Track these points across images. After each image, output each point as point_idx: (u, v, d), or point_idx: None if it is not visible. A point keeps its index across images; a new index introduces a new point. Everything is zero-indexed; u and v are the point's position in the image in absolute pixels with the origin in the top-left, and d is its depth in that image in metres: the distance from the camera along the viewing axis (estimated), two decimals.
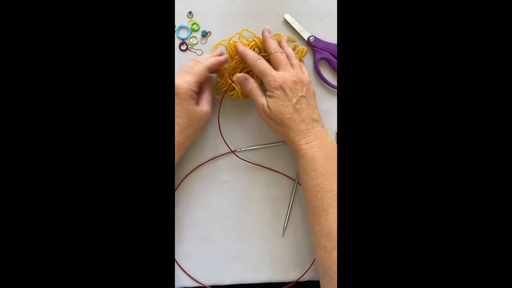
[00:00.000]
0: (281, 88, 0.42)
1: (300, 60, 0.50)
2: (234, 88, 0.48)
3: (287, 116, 0.42)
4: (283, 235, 0.50)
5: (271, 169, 0.51)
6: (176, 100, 0.43)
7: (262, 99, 0.44)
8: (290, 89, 0.42)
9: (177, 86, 0.42)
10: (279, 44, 0.47)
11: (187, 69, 0.44)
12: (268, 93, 0.43)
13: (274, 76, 0.42)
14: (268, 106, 0.43)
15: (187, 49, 0.51)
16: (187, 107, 0.43)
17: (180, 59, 0.51)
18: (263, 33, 0.47)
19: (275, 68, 0.44)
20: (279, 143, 0.51)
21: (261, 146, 0.51)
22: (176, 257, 0.50)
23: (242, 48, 0.46)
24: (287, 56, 0.45)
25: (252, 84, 0.45)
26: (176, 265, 0.49)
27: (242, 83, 0.46)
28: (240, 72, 0.47)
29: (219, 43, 0.50)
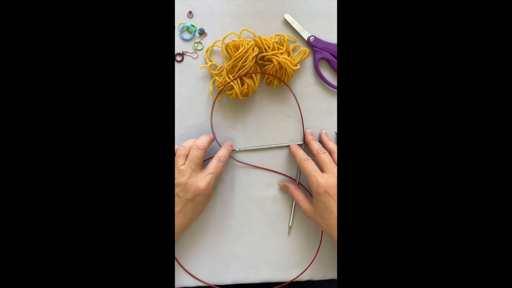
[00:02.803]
0: (326, 193, 0.43)
1: (301, 61, 0.50)
2: (232, 87, 0.48)
3: (332, 222, 0.43)
4: (288, 234, 0.50)
5: (271, 170, 0.51)
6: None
7: (304, 204, 0.46)
8: (335, 193, 0.43)
9: (202, 189, 0.43)
10: (321, 138, 0.50)
11: (212, 170, 0.45)
12: (313, 199, 0.45)
13: (318, 181, 0.43)
14: (312, 210, 0.45)
15: (182, 59, 0.51)
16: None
17: (176, 69, 0.50)
18: (306, 137, 0.50)
19: (320, 168, 0.45)
20: (278, 145, 0.51)
21: (260, 147, 0.51)
22: (177, 256, 0.50)
23: (294, 148, 0.49)
24: (330, 153, 0.47)
25: (293, 190, 0.48)
26: (177, 264, 0.49)
27: (285, 189, 0.50)
28: (237, 72, 0.47)
29: (213, 45, 0.50)
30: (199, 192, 0.43)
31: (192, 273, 0.50)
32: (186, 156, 0.45)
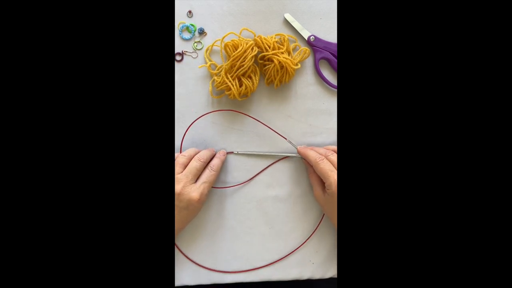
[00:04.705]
0: None
1: (302, 60, 0.50)
2: (230, 88, 0.47)
3: None
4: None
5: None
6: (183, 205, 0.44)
7: (317, 190, 0.47)
8: None
9: (195, 200, 0.44)
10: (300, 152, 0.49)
11: (205, 179, 0.46)
12: (327, 194, 0.45)
13: (336, 181, 0.43)
14: (323, 199, 0.46)
15: (182, 59, 0.51)
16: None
17: (175, 68, 0.50)
18: (300, 151, 0.49)
19: (323, 174, 0.45)
20: (277, 153, 0.51)
21: (258, 153, 0.51)
22: (176, 256, 0.50)
23: (303, 150, 0.48)
24: (326, 157, 0.46)
25: (310, 172, 0.48)
26: (183, 256, 0.49)
27: (303, 154, 0.48)
28: (235, 71, 0.47)
29: (213, 45, 0.50)
30: (192, 203, 0.44)
31: (192, 272, 0.50)
32: (185, 165, 0.46)
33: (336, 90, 0.51)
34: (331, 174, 0.43)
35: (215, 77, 0.49)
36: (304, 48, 0.50)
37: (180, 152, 0.49)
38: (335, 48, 0.50)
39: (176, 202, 0.44)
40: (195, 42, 0.51)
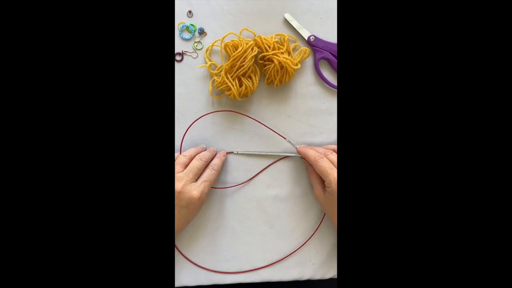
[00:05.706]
0: None
1: (302, 60, 0.50)
2: (230, 88, 0.47)
3: None
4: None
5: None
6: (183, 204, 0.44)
7: (317, 189, 0.47)
8: None
9: (195, 198, 0.44)
10: (300, 152, 0.49)
11: (205, 178, 0.46)
12: (327, 192, 0.45)
13: (336, 178, 0.43)
14: (323, 198, 0.46)
15: (182, 59, 0.50)
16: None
17: (175, 68, 0.50)
18: (299, 151, 0.49)
19: (322, 172, 0.45)
20: (277, 153, 0.51)
21: (258, 153, 0.51)
22: (176, 256, 0.50)
23: (303, 149, 0.48)
24: (325, 155, 0.46)
25: (311, 171, 0.48)
26: (182, 257, 0.49)
27: (303, 155, 0.48)
28: (235, 72, 0.47)
29: (213, 44, 0.50)
30: (192, 201, 0.44)
31: (192, 272, 0.50)
32: (185, 165, 0.46)
33: (336, 90, 0.51)
34: (331, 172, 0.44)
35: (215, 77, 0.49)
36: (304, 48, 0.49)
37: (180, 153, 0.49)
38: (335, 48, 0.50)
39: (177, 201, 0.44)
40: (195, 42, 0.51)
